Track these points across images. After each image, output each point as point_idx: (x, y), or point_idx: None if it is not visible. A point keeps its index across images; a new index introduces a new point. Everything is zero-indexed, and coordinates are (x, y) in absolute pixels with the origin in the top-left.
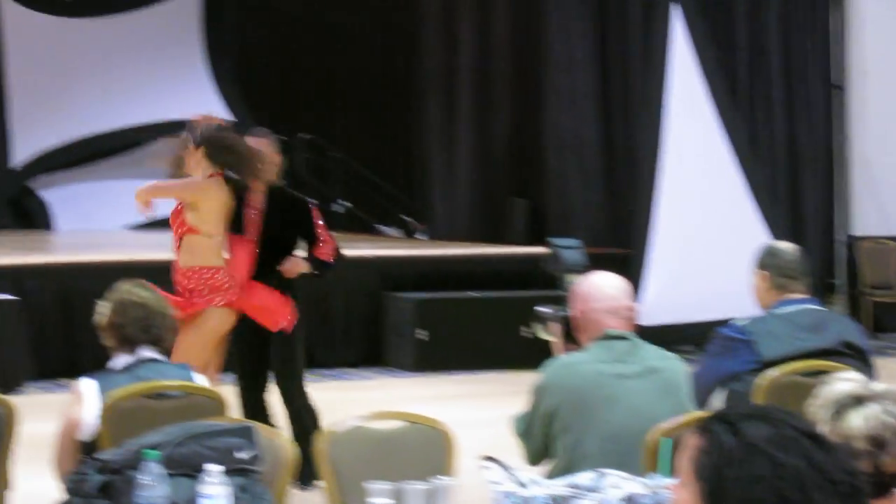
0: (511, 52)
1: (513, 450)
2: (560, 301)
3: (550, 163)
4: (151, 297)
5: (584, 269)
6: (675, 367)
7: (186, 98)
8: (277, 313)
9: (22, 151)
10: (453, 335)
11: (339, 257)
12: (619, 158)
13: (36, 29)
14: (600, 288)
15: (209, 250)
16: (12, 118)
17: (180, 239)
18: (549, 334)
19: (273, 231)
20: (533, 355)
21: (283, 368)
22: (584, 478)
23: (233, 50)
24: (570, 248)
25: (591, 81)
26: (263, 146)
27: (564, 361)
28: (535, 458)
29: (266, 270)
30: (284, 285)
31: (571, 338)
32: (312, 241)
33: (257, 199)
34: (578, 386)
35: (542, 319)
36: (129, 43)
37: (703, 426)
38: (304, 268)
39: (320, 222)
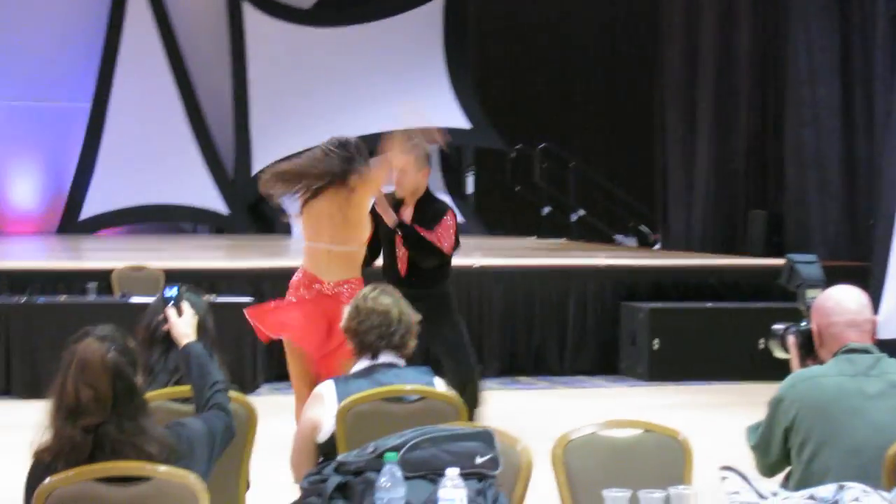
0: (752, 64)
1: (747, 461)
2: (797, 315)
3: (790, 175)
4: (393, 304)
5: (822, 284)
6: None
7: (427, 107)
8: None
9: (262, 158)
10: (688, 345)
11: (421, 244)
12: (860, 171)
13: (276, 37)
14: (840, 301)
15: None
16: (253, 125)
17: None
18: (786, 351)
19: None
20: (767, 368)
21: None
22: (825, 490)
23: (473, 60)
24: (808, 263)
25: (833, 95)
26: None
27: (805, 374)
28: (769, 470)
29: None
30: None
31: (810, 353)
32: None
33: (407, 212)
34: (820, 399)
35: (778, 337)
36: (369, 52)
37: None
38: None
39: (450, 222)
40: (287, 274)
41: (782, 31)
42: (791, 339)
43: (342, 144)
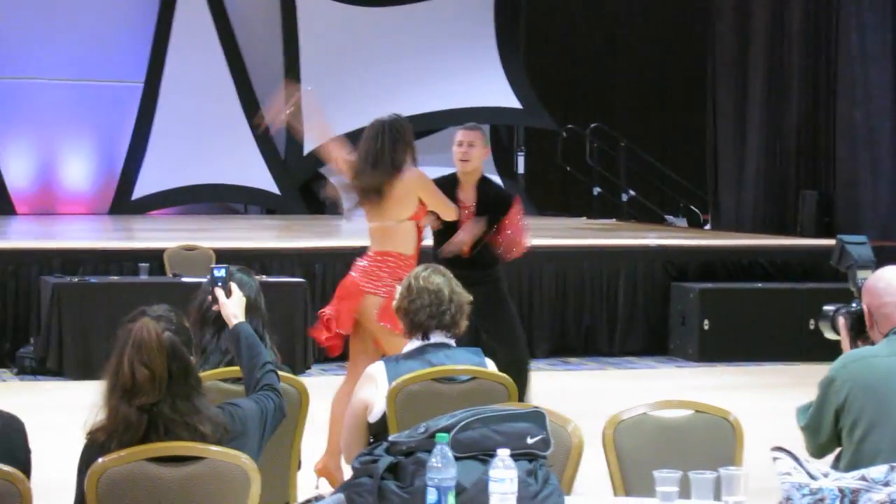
0: (804, 43)
1: (798, 442)
2: (848, 296)
3: (841, 155)
4: (444, 283)
5: (872, 265)
6: None
7: (478, 87)
8: None
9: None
10: (738, 326)
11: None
12: None
13: (328, 16)
14: (892, 282)
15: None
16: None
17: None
18: (837, 332)
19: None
20: (818, 348)
21: None
22: (877, 471)
23: (524, 40)
24: (858, 244)
25: (885, 74)
26: (463, 136)
27: (856, 355)
28: (819, 450)
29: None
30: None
31: (861, 334)
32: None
33: (468, 195)
34: (871, 380)
35: (829, 318)
36: (422, 32)
37: None
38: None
39: (519, 212)
40: (338, 253)
41: (834, 9)
42: (841, 321)
43: (395, 128)
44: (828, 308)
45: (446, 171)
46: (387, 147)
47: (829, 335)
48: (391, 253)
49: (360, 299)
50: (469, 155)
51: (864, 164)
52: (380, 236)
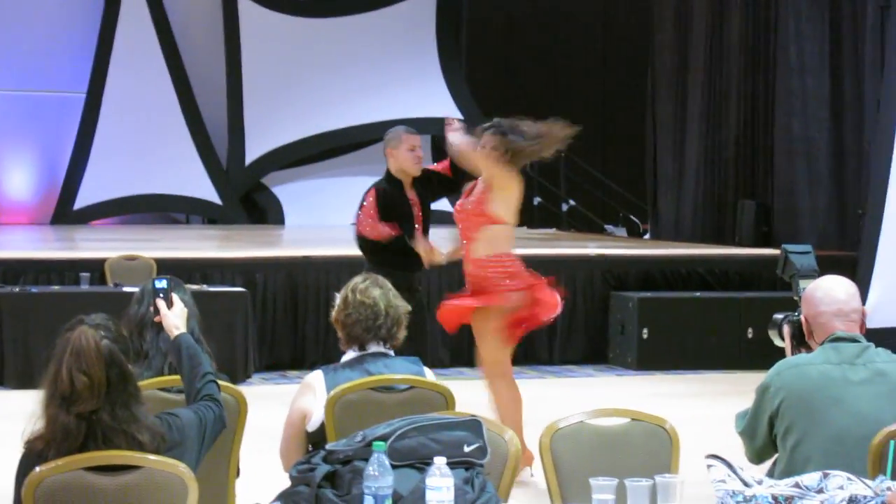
0: (742, 54)
1: (734, 449)
2: (787, 305)
3: (779, 165)
4: (381, 296)
5: (815, 274)
6: None
7: (420, 98)
8: None
9: (255, 148)
10: (677, 334)
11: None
12: (849, 161)
13: (271, 28)
14: (829, 292)
15: (509, 239)
16: (247, 116)
17: (477, 230)
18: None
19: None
20: (756, 357)
21: None
22: (810, 478)
23: (465, 51)
24: (802, 254)
25: (822, 85)
26: (406, 143)
27: (791, 363)
28: (756, 456)
29: None
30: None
31: (802, 342)
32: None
33: (412, 193)
34: (804, 387)
35: (777, 326)
36: (364, 44)
37: None
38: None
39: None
40: (279, 263)
41: (773, 21)
42: (785, 329)
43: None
44: (777, 316)
45: None
46: None
47: (778, 342)
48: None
49: None
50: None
51: (802, 173)
52: None
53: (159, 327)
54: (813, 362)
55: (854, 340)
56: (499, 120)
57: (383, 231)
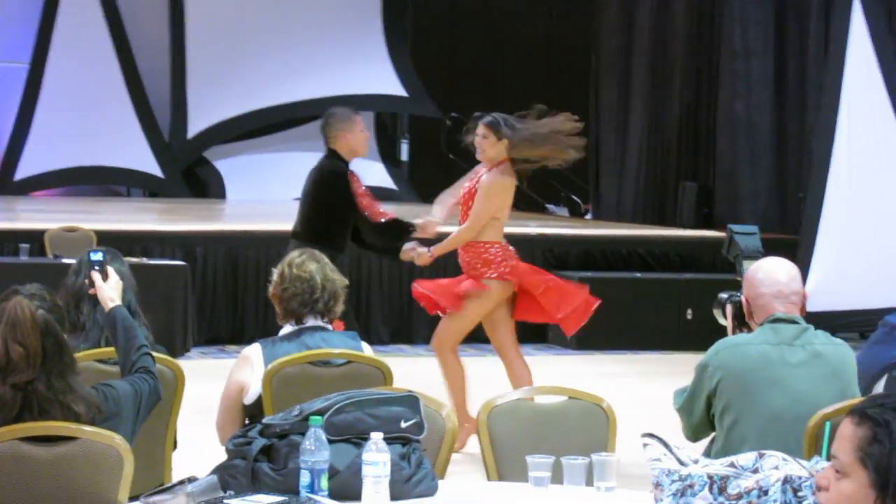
0: (687, 36)
1: (671, 429)
2: (729, 286)
3: (721, 147)
4: (318, 270)
5: (759, 255)
6: (843, 353)
7: (363, 74)
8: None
9: (198, 122)
10: (616, 315)
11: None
12: (791, 145)
13: (215, 1)
14: (770, 273)
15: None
16: (190, 89)
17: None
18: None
19: None
20: (695, 338)
21: None
22: (745, 458)
23: (410, 28)
24: (747, 235)
25: (766, 68)
26: (359, 124)
27: (730, 342)
28: (693, 433)
29: None
30: None
31: (743, 322)
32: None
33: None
34: (742, 366)
35: (721, 305)
36: (309, 19)
37: (865, 415)
38: None
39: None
40: (219, 237)
41: (717, 4)
42: (728, 309)
43: None
44: (722, 295)
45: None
46: None
47: (722, 321)
48: None
49: None
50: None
51: (744, 156)
52: None
53: (95, 300)
54: (752, 342)
55: (793, 322)
56: (495, 113)
57: (388, 212)
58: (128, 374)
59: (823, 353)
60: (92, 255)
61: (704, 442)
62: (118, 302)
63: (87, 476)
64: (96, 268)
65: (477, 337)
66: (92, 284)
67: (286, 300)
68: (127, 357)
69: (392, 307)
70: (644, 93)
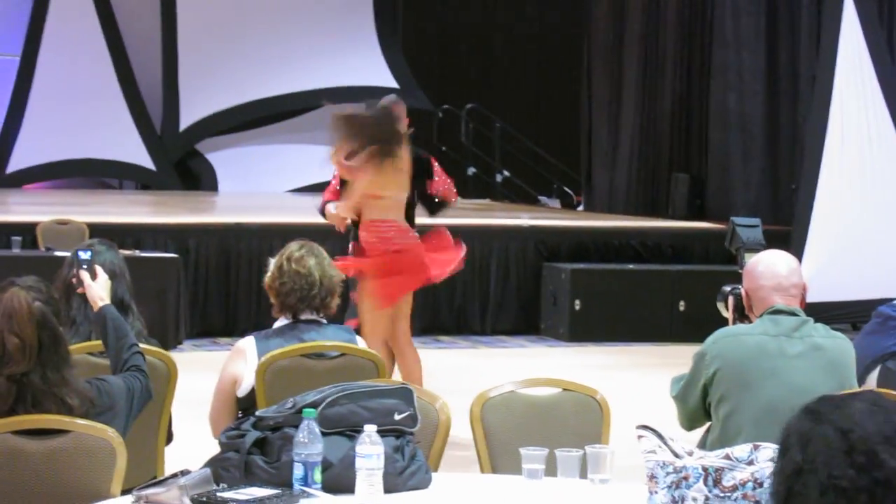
0: (679, 27)
1: (665, 421)
2: (722, 278)
3: (713, 139)
4: (316, 266)
5: (760, 247)
6: (842, 346)
7: (355, 66)
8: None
9: (190, 115)
10: (609, 306)
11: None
12: (783, 136)
13: None
14: (770, 266)
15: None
16: (182, 81)
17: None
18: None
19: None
20: (687, 330)
21: None
22: (740, 450)
23: (402, 20)
24: (749, 227)
25: (758, 59)
26: (401, 110)
27: (729, 332)
28: (688, 422)
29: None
30: None
31: (744, 315)
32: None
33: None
34: (740, 357)
35: (724, 297)
36: (300, 10)
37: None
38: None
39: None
40: (212, 229)
41: None
42: (730, 301)
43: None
44: (725, 288)
45: (322, 148)
46: None
47: (724, 313)
48: None
49: None
50: None
51: (736, 147)
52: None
53: (83, 298)
54: (751, 332)
55: (793, 314)
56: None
57: None
58: (119, 372)
59: (823, 345)
60: (80, 253)
61: (699, 432)
62: (107, 301)
63: (80, 469)
64: (84, 267)
65: (469, 328)
66: (80, 283)
67: (283, 294)
68: (118, 356)
69: None
70: (636, 84)
